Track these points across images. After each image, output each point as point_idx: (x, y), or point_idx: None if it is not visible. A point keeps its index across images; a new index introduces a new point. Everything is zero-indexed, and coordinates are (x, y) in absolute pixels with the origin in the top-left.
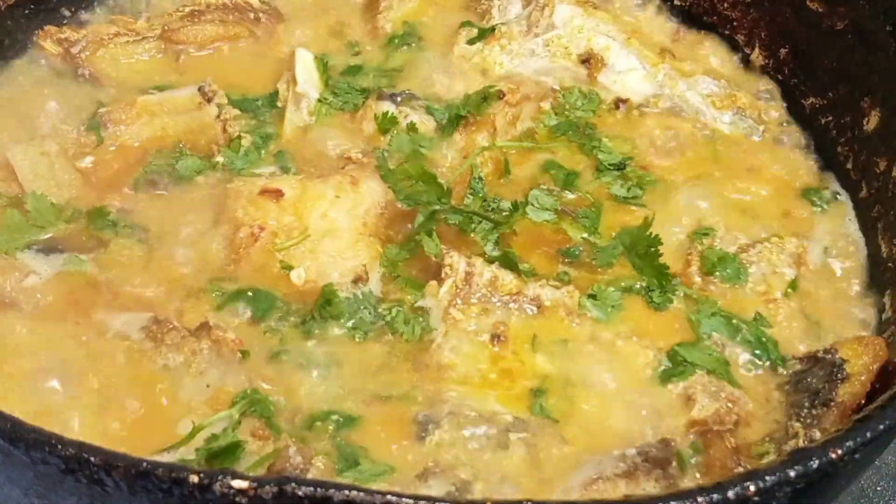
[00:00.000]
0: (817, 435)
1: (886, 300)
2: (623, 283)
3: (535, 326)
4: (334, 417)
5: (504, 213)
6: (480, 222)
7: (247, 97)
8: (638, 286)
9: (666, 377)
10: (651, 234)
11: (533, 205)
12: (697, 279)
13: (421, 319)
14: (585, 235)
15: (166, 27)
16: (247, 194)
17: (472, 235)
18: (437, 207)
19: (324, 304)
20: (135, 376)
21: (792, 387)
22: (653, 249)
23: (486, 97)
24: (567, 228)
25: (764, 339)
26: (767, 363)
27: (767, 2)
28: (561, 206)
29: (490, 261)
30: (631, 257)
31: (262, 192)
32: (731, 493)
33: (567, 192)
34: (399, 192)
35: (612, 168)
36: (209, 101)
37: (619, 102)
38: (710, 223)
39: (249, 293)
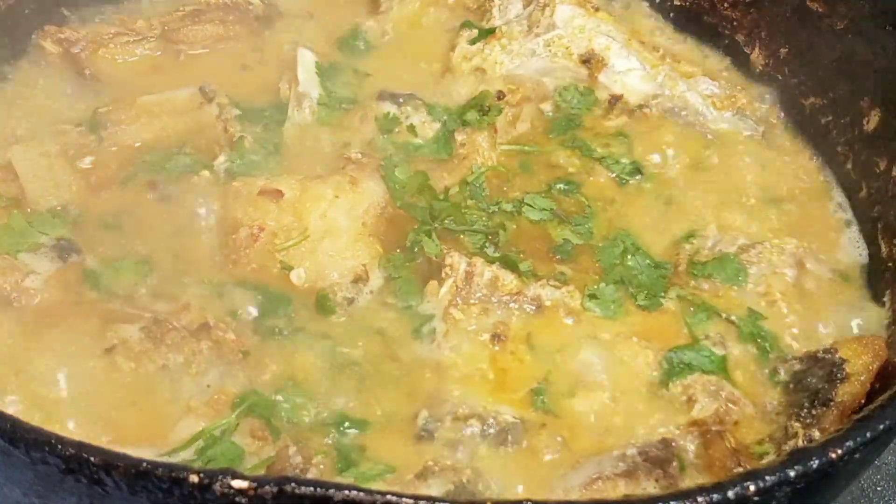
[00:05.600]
0: (817, 435)
1: (886, 300)
2: (615, 279)
3: (536, 326)
4: (335, 421)
5: (504, 213)
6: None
7: (254, 107)
8: (631, 290)
9: (666, 377)
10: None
11: (530, 206)
12: (693, 279)
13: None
14: (574, 239)
15: (166, 27)
16: (246, 194)
17: (463, 238)
18: (429, 228)
19: (319, 309)
20: (135, 377)
21: (792, 387)
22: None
23: (485, 112)
24: (552, 231)
25: (762, 340)
26: (766, 363)
27: (767, 2)
28: (555, 208)
29: (490, 261)
30: (626, 258)
31: (261, 192)
32: (731, 493)
33: (564, 196)
34: (398, 199)
35: (629, 178)
36: (210, 101)
37: (612, 99)
38: (709, 223)
39: (249, 293)
